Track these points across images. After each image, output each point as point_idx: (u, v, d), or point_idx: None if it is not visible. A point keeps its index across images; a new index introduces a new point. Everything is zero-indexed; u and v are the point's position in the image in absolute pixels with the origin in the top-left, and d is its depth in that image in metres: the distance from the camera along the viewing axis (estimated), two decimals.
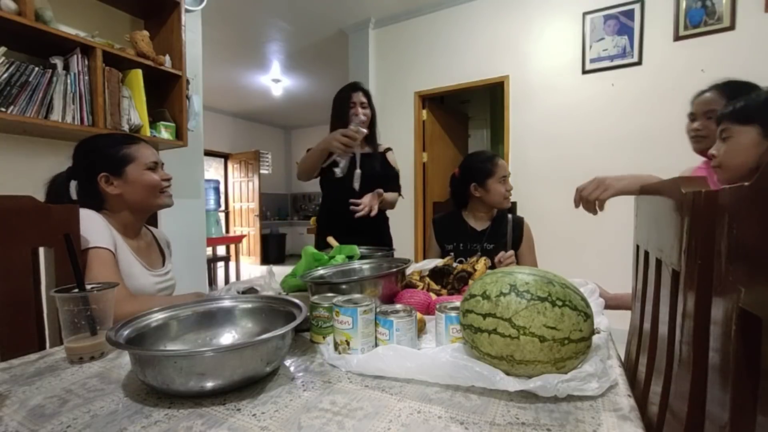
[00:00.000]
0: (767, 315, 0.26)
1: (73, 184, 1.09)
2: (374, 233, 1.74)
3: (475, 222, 1.61)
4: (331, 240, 1.30)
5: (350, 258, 1.16)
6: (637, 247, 0.76)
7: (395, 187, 1.82)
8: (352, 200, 1.59)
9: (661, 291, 0.53)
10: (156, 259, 1.17)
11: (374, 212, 1.58)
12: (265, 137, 7.76)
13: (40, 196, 0.98)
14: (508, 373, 0.53)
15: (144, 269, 1.08)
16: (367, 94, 1.74)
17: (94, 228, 0.99)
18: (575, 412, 0.48)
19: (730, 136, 0.99)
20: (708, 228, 0.37)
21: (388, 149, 1.86)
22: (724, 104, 1.11)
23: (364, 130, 1.58)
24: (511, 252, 1.38)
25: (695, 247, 0.39)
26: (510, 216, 1.58)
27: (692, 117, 1.33)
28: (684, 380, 0.40)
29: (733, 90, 1.21)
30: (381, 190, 1.62)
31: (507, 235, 1.55)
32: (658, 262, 0.55)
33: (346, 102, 1.70)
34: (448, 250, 1.62)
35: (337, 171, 1.61)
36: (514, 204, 1.68)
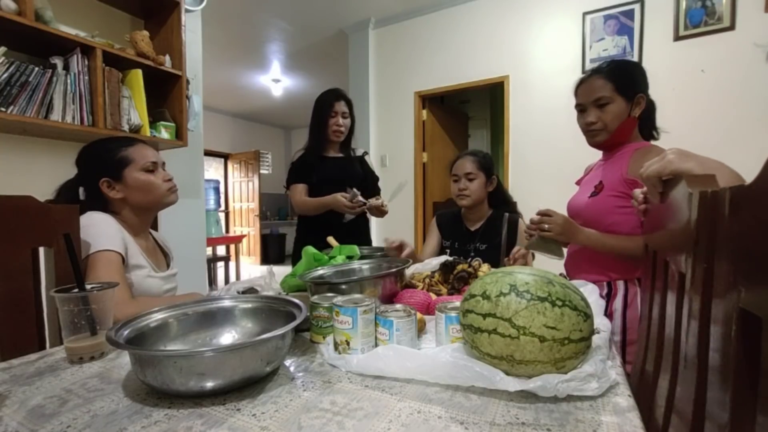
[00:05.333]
0: (767, 315, 0.26)
1: (81, 190, 1.09)
2: (356, 235, 1.77)
3: (469, 222, 1.62)
4: (331, 240, 1.30)
5: (350, 258, 1.16)
6: (646, 247, 0.76)
7: (376, 191, 1.85)
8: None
9: (667, 293, 0.53)
10: (161, 261, 1.18)
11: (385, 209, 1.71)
12: (265, 137, 7.75)
13: (41, 195, 0.98)
14: (508, 373, 0.53)
15: (152, 270, 1.09)
16: (348, 103, 1.75)
17: (106, 231, 0.99)
18: (575, 412, 0.48)
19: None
20: (711, 228, 0.37)
21: (366, 153, 1.89)
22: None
23: (363, 201, 1.65)
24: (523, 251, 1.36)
25: (701, 249, 0.39)
26: (506, 215, 1.56)
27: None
28: (689, 382, 0.40)
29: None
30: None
31: (501, 235, 1.53)
32: (665, 264, 0.55)
33: (327, 110, 1.71)
34: (445, 247, 1.62)
35: (346, 216, 1.72)
36: (513, 204, 1.66)
